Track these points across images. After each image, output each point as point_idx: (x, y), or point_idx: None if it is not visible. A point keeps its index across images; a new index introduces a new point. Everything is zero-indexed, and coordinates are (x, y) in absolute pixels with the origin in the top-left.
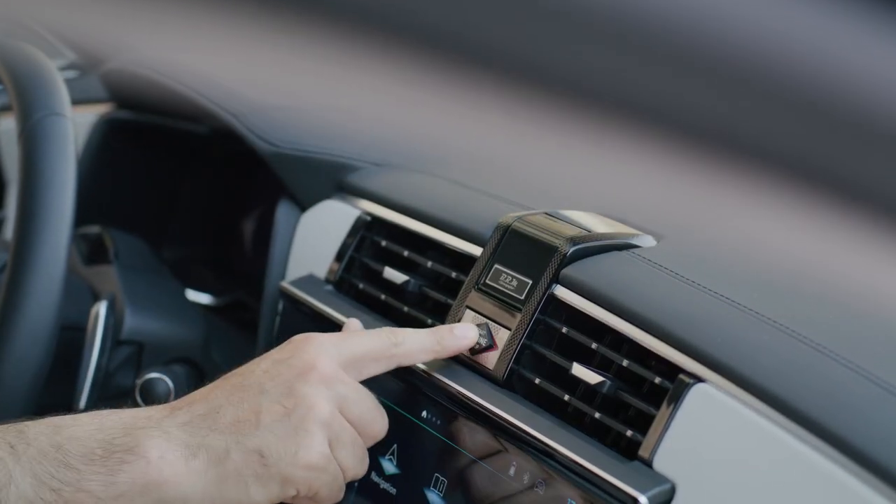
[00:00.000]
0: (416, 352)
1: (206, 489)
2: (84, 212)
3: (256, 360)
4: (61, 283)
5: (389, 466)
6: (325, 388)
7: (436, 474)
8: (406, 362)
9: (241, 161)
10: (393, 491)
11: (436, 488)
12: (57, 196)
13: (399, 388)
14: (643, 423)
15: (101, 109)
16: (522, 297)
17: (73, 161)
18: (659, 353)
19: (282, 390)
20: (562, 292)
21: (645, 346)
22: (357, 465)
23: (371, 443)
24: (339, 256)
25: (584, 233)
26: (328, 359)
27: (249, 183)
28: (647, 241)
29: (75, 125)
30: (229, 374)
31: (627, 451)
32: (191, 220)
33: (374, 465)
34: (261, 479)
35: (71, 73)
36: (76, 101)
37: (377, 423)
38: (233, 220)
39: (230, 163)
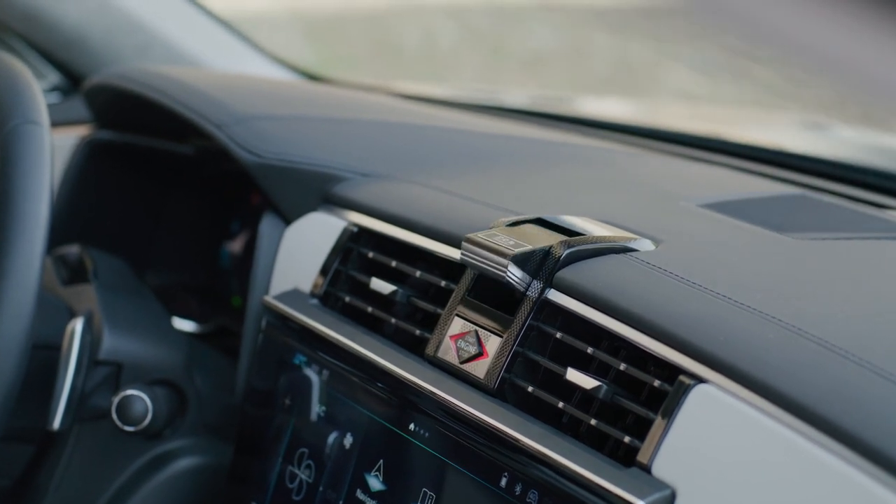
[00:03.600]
0: None
1: None
2: (65, 237)
3: None
4: (35, 295)
5: (375, 483)
6: None
7: (424, 489)
8: None
9: (226, 184)
10: None
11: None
12: (31, 205)
13: (385, 401)
14: (642, 430)
15: (82, 131)
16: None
17: (49, 170)
18: (658, 355)
19: None
20: (556, 296)
21: (643, 348)
22: None
23: None
24: (325, 269)
25: (579, 236)
26: None
27: (234, 208)
28: (644, 245)
29: (55, 148)
30: None
31: (626, 460)
32: (174, 246)
33: (360, 483)
34: None
35: (54, 97)
36: (56, 124)
37: None
38: (218, 246)
39: (215, 187)
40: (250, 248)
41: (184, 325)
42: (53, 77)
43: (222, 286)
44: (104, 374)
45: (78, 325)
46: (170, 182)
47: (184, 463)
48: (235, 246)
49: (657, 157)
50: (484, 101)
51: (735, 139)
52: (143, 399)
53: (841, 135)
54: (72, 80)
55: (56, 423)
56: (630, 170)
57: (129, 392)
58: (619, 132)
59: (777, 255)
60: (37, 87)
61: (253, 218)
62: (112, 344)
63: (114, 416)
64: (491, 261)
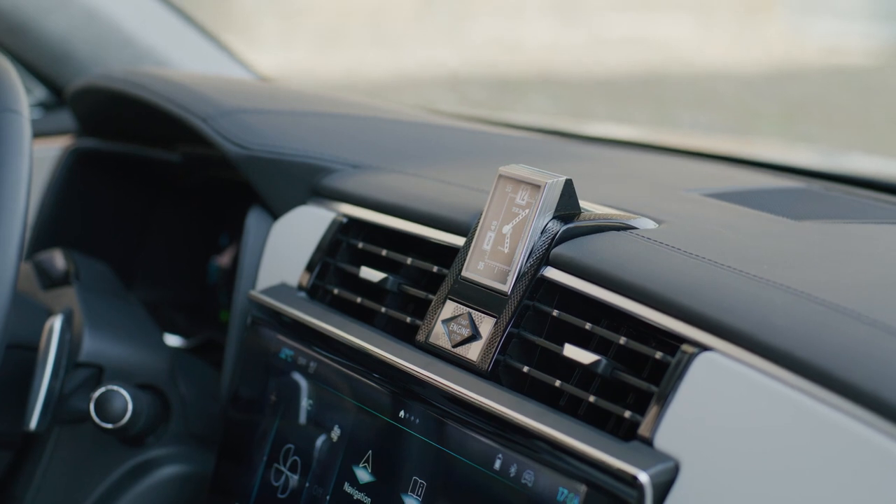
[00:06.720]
0: None
1: None
2: (49, 248)
3: None
4: (11, 287)
5: (364, 475)
6: None
7: (414, 477)
8: None
9: (214, 196)
10: (368, 501)
11: (414, 493)
12: (9, 194)
13: (374, 388)
14: (643, 406)
15: (66, 142)
16: (509, 283)
17: (29, 159)
18: (660, 326)
19: None
20: (552, 273)
21: (644, 320)
22: None
23: None
24: (313, 262)
25: (576, 212)
26: None
27: (223, 221)
28: (645, 224)
29: (37, 160)
30: None
31: (627, 437)
32: (162, 260)
33: (348, 475)
34: None
35: (37, 113)
36: (38, 134)
37: None
38: (206, 261)
39: (203, 199)
40: (236, 261)
41: (170, 340)
42: (39, 92)
43: (210, 301)
44: (84, 376)
45: (56, 322)
46: (157, 192)
47: (167, 471)
48: (224, 260)
49: (660, 157)
50: (488, 117)
51: (740, 152)
52: (122, 395)
53: (853, 159)
54: (57, 96)
55: (33, 424)
56: (632, 165)
57: (109, 387)
58: (626, 146)
59: (782, 234)
60: (16, 76)
61: (237, 231)
62: (93, 346)
63: (92, 412)
64: (536, 173)
